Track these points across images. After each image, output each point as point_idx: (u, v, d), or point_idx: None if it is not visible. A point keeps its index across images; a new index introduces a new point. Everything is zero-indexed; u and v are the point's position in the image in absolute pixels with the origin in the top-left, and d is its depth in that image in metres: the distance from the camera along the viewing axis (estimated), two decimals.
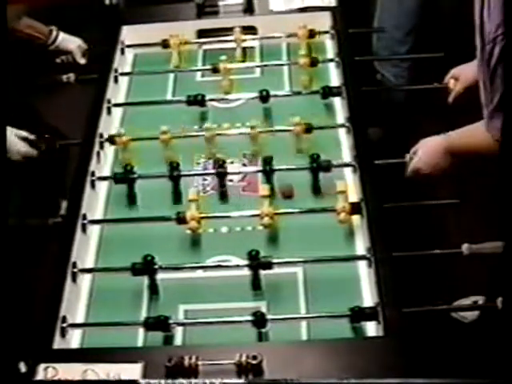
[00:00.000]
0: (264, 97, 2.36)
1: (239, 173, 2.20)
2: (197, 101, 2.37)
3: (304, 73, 2.44)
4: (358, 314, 1.72)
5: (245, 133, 2.26)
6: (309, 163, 2.11)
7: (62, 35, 2.67)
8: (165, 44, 2.59)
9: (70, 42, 2.68)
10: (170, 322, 1.75)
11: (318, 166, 2.10)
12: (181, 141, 2.26)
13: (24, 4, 3.74)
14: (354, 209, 1.94)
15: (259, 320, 1.72)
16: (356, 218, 2.00)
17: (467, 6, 1.83)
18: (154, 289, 1.90)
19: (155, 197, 2.16)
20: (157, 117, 2.39)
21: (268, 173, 2.12)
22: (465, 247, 1.86)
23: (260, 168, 2.16)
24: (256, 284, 1.87)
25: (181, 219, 1.97)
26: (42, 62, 2.73)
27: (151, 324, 1.75)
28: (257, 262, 1.84)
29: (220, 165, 2.14)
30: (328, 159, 2.11)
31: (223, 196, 2.16)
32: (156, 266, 1.87)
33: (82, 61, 2.67)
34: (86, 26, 4.06)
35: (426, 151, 1.96)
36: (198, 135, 2.27)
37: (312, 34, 2.53)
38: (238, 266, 1.89)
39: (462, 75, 2.25)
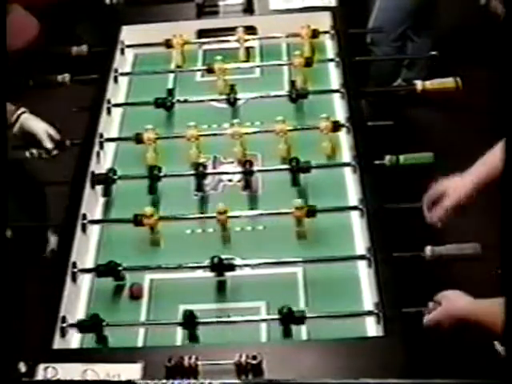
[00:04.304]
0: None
1: (218, 173, 2.21)
2: (164, 104, 2.39)
3: (299, 73, 2.45)
4: (287, 318, 1.73)
5: (269, 130, 2.25)
6: (289, 164, 2.12)
7: (27, 116, 2.32)
8: (168, 44, 2.60)
9: (37, 127, 2.30)
10: (103, 323, 1.77)
11: (298, 168, 2.11)
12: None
13: (24, 3, 3.75)
14: None
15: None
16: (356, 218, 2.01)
17: None
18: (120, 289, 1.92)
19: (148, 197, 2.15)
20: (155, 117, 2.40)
21: (248, 174, 2.14)
22: (428, 249, 1.84)
23: (259, 168, 2.17)
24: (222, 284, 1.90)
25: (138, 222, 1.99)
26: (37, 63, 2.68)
27: (85, 326, 1.77)
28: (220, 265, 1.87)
29: (199, 166, 2.16)
30: (308, 160, 2.12)
31: (203, 199, 2.16)
32: (120, 268, 1.89)
33: (49, 145, 2.29)
34: (86, 25, 4.08)
35: (447, 308, 1.69)
36: (221, 133, 2.26)
37: (315, 34, 2.53)
38: (237, 265, 1.89)
39: (452, 189, 1.87)
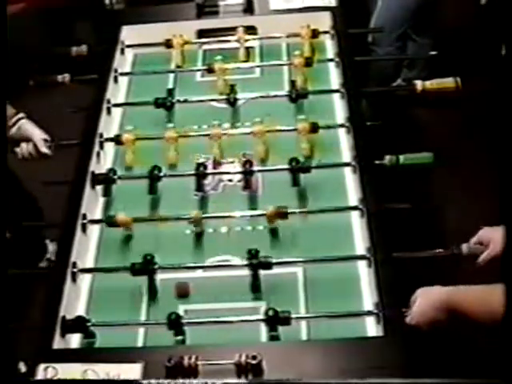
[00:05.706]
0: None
1: (218, 173, 2.21)
2: (164, 104, 2.40)
3: (299, 73, 2.45)
4: (273, 319, 1.73)
5: (247, 132, 2.26)
6: (288, 164, 2.12)
7: (25, 121, 2.37)
8: (168, 44, 2.60)
9: (32, 132, 2.36)
10: (88, 324, 1.77)
11: (298, 168, 2.11)
12: (183, 140, 2.26)
13: (24, 4, 3.75)
14: None
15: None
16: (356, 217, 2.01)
17: None
18: (153, 289, 1.90)
19: (147, 197, 2.16)
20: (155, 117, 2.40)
21: (248, 174, 2.14)
22: (464, 247, 1.85)
23: (259, 168, 2.17)
24: (256, 285, 1.87)
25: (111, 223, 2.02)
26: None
27: (69, 326, 1.77)
28: (257, 262, 1.85)
29: (199, 166, 2.16)
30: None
31: (203, 199, 2.16)
32: (155, 266, 1.87)
33: (46, 150, 2.34)
34: (86, 25, 4.09)
35: (422, 303, 1.70)
36: (202, 134, 2.26)
37: (315, 34, 2.54)
38: (237, 265, 1.89)
39: (493, 242, 1.83)
